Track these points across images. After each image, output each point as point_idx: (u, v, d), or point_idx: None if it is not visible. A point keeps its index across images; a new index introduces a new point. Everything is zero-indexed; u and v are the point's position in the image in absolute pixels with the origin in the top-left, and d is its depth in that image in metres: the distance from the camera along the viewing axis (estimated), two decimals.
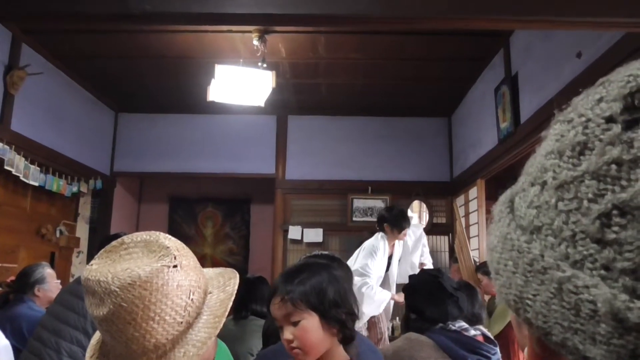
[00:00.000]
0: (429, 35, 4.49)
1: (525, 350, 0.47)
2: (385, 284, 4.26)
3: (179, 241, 1.11)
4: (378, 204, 6.18)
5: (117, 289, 0.97)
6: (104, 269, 1.01)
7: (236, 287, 1.15)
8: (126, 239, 1.08)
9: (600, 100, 0.39)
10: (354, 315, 1.40)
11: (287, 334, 1.33)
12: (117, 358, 1.04)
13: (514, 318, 0.54)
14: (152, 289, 0.98)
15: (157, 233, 1.09)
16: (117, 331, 0.99)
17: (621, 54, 2.88)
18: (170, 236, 1.10)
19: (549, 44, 3.76)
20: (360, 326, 4.05)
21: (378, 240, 4.21)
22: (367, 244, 4.25)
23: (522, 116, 4.18)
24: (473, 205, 5.40)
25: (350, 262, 4.15)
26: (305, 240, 6.13)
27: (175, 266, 1.02)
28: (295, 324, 1.32)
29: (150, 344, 1.00)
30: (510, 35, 4.44)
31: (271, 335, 2.60)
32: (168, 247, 1.05)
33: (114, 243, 1.08)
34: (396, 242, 4.31)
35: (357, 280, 3.98)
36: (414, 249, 4.66)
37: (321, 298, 1.33)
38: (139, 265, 1.00)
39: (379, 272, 4.18)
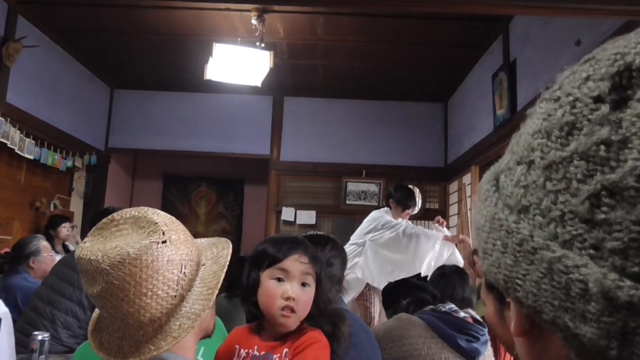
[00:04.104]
0: (428, 19, 4.48)
1: (512, 326, 0.47)
2: None
3: (168, 215, 1.11)
4: (372, 187, 6.20)
5: (107, 267, 0.98)
6: (95, 247, 1.02)
7: (229, 257, 1.16)
8: (116, 215, 1.08)
9: (587, 78, 0.40)
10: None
11: (295, 290, 1.31)
12: (115, 332, 1.05)
13: (493, 314, 0.55)
14: (142, 265, 0.99)
15: (146, 209, 1.10)
16: (112, 307, 1.00)
17: None
18: (159, 211, 1.10)
19: (548, 31, 3.75)
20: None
21: (382, 213, 4.24)
22: (372, 214, 4.27)
23: (518, 103, 4.17)
24: (467, 192, 5.42)
25: (362, 233, 4.16)
26: (299, 221, 6.15)
27: (164, 242, 1.03)
28: (304, 285, 1.34)
29: (145, 318, 1.01)
30: (510, 22, 4.42)
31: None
32: (156, 223, 1.05)
33: (104, 220, 1.08)
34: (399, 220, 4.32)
35: (392, 233, 3.98)
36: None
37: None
38: (127, 243, 1.01)
39: None
